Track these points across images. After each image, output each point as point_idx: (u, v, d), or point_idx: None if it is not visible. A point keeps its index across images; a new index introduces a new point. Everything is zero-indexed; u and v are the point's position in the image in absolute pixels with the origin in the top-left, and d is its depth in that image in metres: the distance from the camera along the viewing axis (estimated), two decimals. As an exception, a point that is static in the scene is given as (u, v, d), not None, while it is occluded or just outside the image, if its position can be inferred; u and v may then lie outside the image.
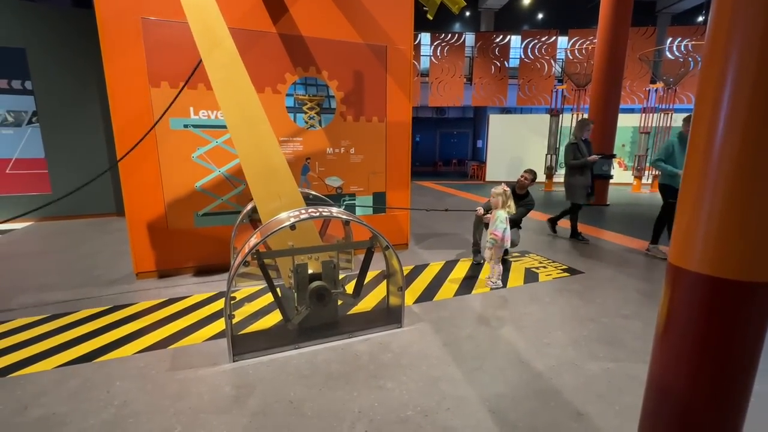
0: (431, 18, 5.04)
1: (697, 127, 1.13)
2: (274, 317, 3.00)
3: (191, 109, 3.77)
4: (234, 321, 2.87)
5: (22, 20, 6.06)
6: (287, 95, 4.16)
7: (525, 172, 4.57)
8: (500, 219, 3.63)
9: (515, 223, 4.47)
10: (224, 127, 3.92)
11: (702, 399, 1.19)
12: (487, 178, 14.44)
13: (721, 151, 1.06)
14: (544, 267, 4.36)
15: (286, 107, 4.17)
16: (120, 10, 3.40)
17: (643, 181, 12.36)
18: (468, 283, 3.85)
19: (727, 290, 1.09)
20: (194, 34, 2.78)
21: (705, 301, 1.14)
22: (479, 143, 21.99)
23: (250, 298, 3.42)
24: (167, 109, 3.47)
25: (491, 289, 3.71)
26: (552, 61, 15.55)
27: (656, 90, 12.41)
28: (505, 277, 3.99)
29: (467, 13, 20.31)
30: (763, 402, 2.06)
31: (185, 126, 3.77)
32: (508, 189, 3.73)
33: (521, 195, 4.52)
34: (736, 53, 1.02)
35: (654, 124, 12.14)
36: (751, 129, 1.02)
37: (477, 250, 4.45)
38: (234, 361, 2.41)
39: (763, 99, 0.99)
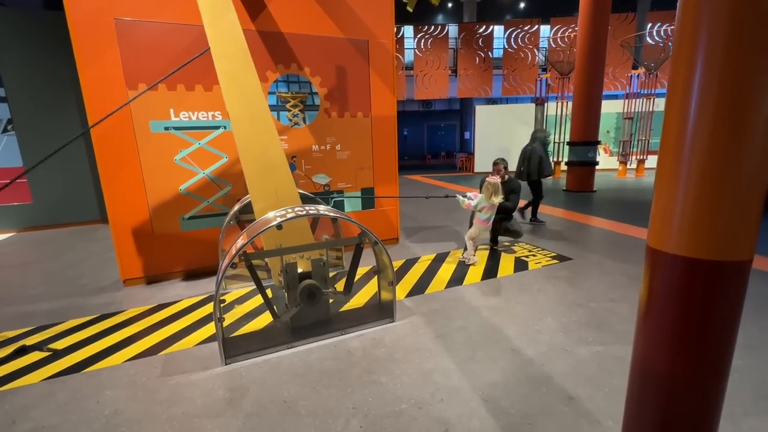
0: (411, 10, 5.01)
1: (670, 118, 1.16)
2: (266, 318, 2.98)
3: (171, 111, 3.69)
4: (225, 323, 2.86)
5: (-9, 25, 5.86)
6: (269, 93, 4.11)
7: (497, 162, 4.57)
8: (480, 199, 4.02)
9: (508, 211, 4.62)
10: (206, 128, 3.86)
11: (683, 377, 1.23)
12: (476, 170, 14.52)
13: (692, 140, 1.12)
14: (534, 255, 4.41)
15: (269, 106, 4.12)
16: (91, 11, 3.31)
17: (628, 166, 12.57)
18: (459, 274, 3.88)
19: (702, 270, 1.14)
20: (206, 26, 2.83)
21: (682, 281, 1.18)
22: (467, 135, 22.07)
23: (241, 300, 3.40)
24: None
25: (460, 261, 4.16)
26: (535, 50, 15.64)
27: (638, 75, 12.58)
28: (495, 267, 4.03)
29: (449, 5, 20.26)
30: (743, 377, 2.13)
31: (166, 128, 3.70)
32: (498, 182, 4.00)
33: (504, 182, 4.58)
34: (704, 46, 1.07)
35: (637, 110, 12.33)
36: (719, 120, 1.07)
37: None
38: (226, 364, 2.40)
39: (730, 90, 1.04)
